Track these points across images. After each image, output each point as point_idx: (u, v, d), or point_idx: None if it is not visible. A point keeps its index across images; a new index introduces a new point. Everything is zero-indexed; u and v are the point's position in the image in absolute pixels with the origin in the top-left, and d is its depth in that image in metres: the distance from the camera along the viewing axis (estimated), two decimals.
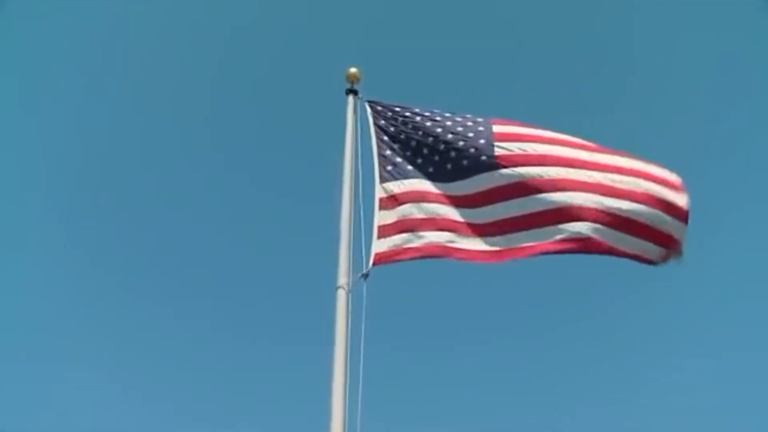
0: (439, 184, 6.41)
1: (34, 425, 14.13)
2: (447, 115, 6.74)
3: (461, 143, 6.48)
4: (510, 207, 6.21)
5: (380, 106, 6.97)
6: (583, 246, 6.04)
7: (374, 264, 5.81)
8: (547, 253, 6.06)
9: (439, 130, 6.62)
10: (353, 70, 7.19)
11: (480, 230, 6.17)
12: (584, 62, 19.86)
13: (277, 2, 19.72)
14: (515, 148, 6.36)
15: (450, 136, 6.55)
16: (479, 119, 6.64)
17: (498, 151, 6.36)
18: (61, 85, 17.87)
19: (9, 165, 16.56)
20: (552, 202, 6.13)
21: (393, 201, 6.28)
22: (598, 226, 6.02)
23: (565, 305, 18.25)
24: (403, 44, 20.85)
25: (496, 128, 6.55)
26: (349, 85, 7.13)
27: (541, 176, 6.19)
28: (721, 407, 15.25)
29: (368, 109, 6.94)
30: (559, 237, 6.04)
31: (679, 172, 6.27)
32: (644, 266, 6.18)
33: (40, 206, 17.42)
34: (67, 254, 17.31)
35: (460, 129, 6.59)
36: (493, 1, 20.46)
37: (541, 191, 6.17)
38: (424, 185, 6.41)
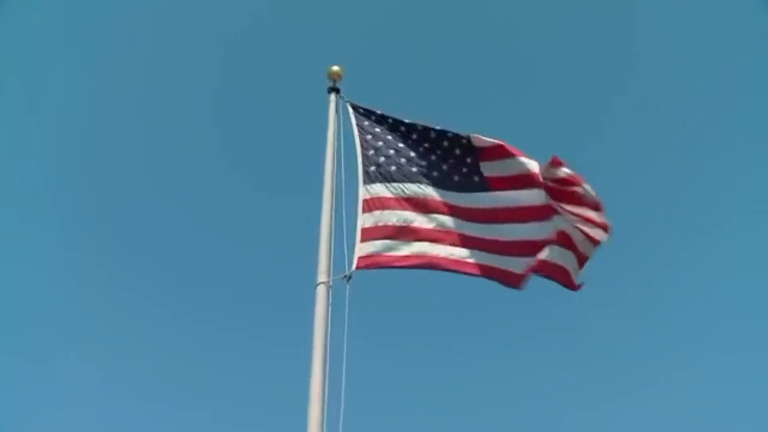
0: (426, 188, 6.44)
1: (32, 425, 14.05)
2: (429, 127, 6.72)
3: (451, 160, 6.56)
4: (496, 230, 6.28)
5: (362, 108, 6.97)
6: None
7: (358, 268, 5.79)
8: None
9: (427, 145, 6.66)
10: (335, 68, 7.20)
11: (469, 242, 6.23)
12: (571, 61, 19.98)
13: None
14: (500, 169, 6.42)
15: (438, 151, 6.61)
16: (462, 136, 6.60)
17: (486, 173, 6.45)
18: (61, 85, 17.91)
19: (9, 165, 16.52)
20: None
21: (376, 203, 6.26)
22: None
23: (558, 304, 18.24)
24: (388, 43, 20.83)
25: (479, 144, 6.52)
26: (331, 83, 7.13)
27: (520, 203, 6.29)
28: (719, 407, 15.37)
29: (350, 110, 6.94)
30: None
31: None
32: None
33: (39, 206, 17.40)
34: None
35: (446, 144, 6.62)
36: (477, 1, 20.48)
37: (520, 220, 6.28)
38: (411, 190, 6.42)
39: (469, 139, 6.54)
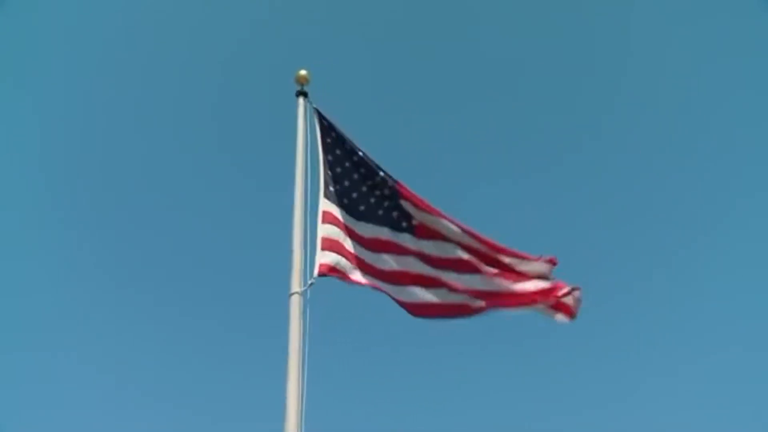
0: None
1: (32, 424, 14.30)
2: (376, 170, 6.81)
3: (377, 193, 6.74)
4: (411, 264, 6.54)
5: (326, 120, 7.03)
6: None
7: (320, 275, 5.97)
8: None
9: (363, 170, 6.80)
10: (303, 72, 7.27)
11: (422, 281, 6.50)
12: (561, 60, 19.86)
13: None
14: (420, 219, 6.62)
15: (369, 182, 6.77)
16: (389, 181, 6.73)
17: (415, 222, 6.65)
18: (61, 85, 18.00)
19: (9, 165, 16.63)
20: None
21: (334, 220, 6.43)
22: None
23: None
24: (388, 43, 20.64)
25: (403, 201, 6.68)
26: (299, 87, 7.21)
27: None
28: (717, 407, 15.59)
29: (317, 122, 7.01)
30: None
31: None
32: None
33: (39, 206, 17.55)
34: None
35: (387, 191, 6.76)
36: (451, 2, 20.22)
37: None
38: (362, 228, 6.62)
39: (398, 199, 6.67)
